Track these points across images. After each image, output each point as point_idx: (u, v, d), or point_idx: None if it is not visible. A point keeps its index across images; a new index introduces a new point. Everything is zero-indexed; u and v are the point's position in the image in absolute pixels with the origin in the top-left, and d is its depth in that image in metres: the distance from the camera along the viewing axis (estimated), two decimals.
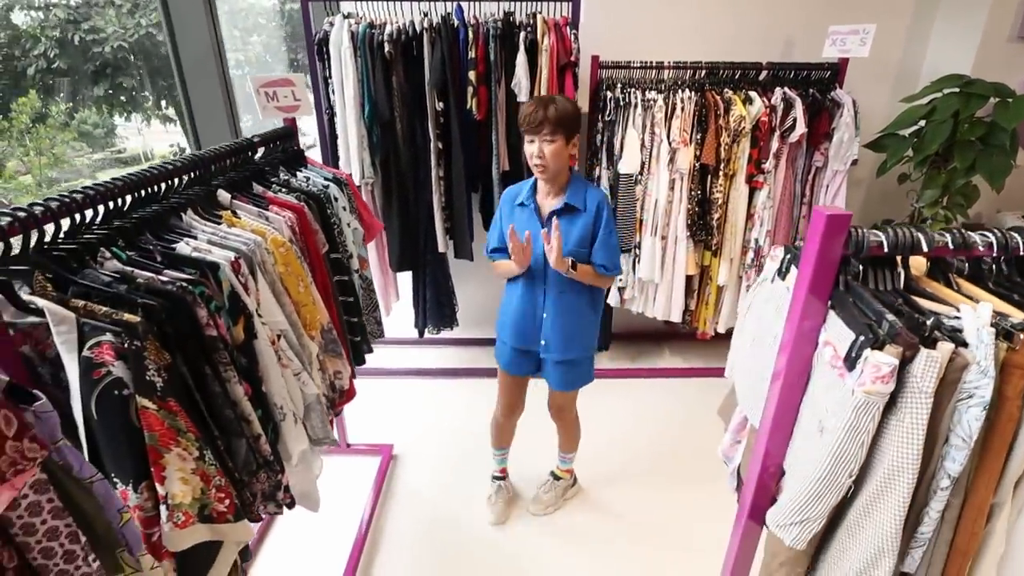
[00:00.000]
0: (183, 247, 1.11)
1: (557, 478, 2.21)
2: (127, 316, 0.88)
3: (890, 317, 0.68)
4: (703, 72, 2.55)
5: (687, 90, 2.50)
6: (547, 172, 1.63)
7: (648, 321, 3.18)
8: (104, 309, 0.87)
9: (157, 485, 0.90)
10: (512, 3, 2.37)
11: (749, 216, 2.65)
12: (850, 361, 0.69)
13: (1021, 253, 0.75)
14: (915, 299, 0.76)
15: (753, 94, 2.49)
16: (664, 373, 3.12)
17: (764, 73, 2.57)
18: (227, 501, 0.97)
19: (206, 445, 0.94)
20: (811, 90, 2.53)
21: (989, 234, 0.76)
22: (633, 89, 2.53)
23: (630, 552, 2.00)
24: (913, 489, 0.67)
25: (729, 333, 2.84)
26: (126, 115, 4.44)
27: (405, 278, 2.94)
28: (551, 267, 1.65)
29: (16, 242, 0.90)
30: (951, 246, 0.75)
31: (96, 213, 1.02)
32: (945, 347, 0.65)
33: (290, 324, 1.30)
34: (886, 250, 0.74)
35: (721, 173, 2.55)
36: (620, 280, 2.79)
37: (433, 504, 2.24)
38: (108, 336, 0.84)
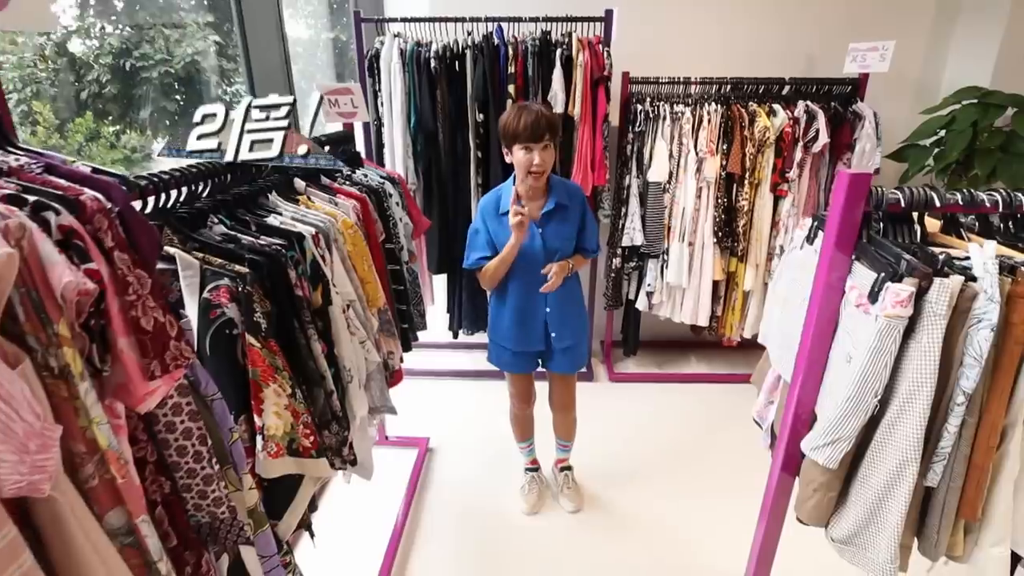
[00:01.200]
0: (272, 220, 1.26)
1: (570, 468, 2.30)
2: (238, 267, 1.02)
3: (907, 257, 0.78)
4: (728, 87, 2.69)
5: (713, 103, 2.64)
6: (542, 178, 1.74)
7: (675, 329, 3.27)
8: (219, 260, 1.02)
9: (255, 417, 1.03)
10: (549, 23, 2.55)
11: (774, 223, 2.74)
12: (873, 296, 0.80)
13: None
14: (930, 248, 0.86)
15: (777, 107, 2.62)
16: (690, 378, 3.18)
17: (787, 88, 2.70)
18: (312, 438, 1.09)
19: (297, 385, 1.07)
20: (833, 103, 2.65)
21: (995, 193, 0.86)
22: (662, 103, 2.68)
23: (657, 542, 2.06)
24: (932, 402, 0.76)
25: (755, 339, 2.91)
26: (167, 138, 4.76)
27: (440, 285, 3.08)
28: (548, 263, 1.78)
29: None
30: (960, 203, 0.85)
31: (205, 186, 1.17)
32: (956, 278, 0.75)
33: (356, 297, 1.44)
34: (903, 206, 0.85)
35: (746, 182, 2.67)
36: (648, 285, 2.89)
37: (468, 494, 2.33)
38: (225, 281, 0.98)
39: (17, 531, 0.56)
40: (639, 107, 2.68)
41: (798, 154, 2.61)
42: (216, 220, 1.14)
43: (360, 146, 2.83)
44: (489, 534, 2.12)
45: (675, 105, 2.67)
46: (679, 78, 2.68)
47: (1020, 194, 0.86)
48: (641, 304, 2.96)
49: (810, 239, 1.04)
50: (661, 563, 1.97)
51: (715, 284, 2.86)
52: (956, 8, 2.76)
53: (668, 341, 3.47)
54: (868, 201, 0.86)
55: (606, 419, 2.77)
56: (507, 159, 1.78)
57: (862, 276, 0.85)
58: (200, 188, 1.17)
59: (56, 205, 0.62)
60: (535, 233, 1.81)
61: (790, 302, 1.08)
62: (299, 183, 1.51)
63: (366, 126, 2.70)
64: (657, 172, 2.69)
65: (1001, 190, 0.86)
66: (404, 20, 2.59)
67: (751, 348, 3.17)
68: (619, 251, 2.89)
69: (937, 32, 2.83)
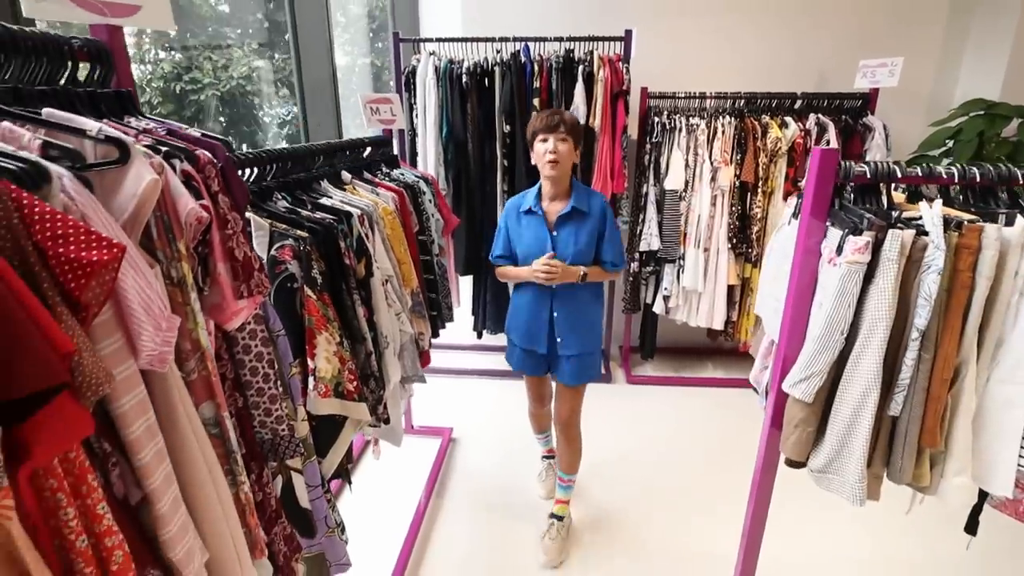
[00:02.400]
0: (324, 201, 1.46)
1: (560, 518, 2.07)
2: (299, 232, 1.20)
3: (868, 216, 0.92)
4: (742, 101, 2.84)
5: (727, 116, 2.79)
6: (558, 169, 1.75)
7: (692, 336, 3.38)
8: (284, 226, 1.20)
9: (309, 360, 1.20)
10: (572, 43, 2.75)
11: None
12: (839, 249, 0.93)
13: (977, 181, 0.98)
14: (889, 210, 0.99)
15: (788, 119, 2.75)
16: (707, 382, 3.27)
17: (799, 102, 2.84)
18: (355, 383, 1.26)
19: (345, 335, 1.24)
20: (844, 116, 2.78)
21: (952, 167, 0.99)
22: (678, 115, 2.84)
23: (668, 529, 2.16)
24: (888, 336, 0.88)
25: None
26: None
27: (465, 289, 3.25)
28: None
29: None
30: (919, 174, 0.98)
31: (270, 169, 1.37)
32: (908, 231, 0.88)
33: (394, 274, 1.62)
34: (868, 177, 0.99)
35: (760, 190, 2.79)
36: (665, 289, 3.02)
37: (488, 479, 2.46)
38: (289, 241, 1.16)
39: (146, 393, 0.73)
40: (656, 119, 2.84)
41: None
42: (280, 196, 1.34)
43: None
44: (507, 517, 2.24)
45: (691, 118, 2.83)
46: (695, 93, 2.85)
47: (974, 168, 0.99)
48: (658, 308, 3.08)
49: (795, 215, 1.18)
50: (671, 547, 2.06)
51: (730, 289, 2.97)
52: (967, 24, 2.87)
53: (685, 348, 3.57)
54: (838, 173, 1.00)
55: (623, 419, 2.88)
56: (533, 161, 1.85)
57: (833, 237, 0.99)
58: (267, 170, 1.36)
59: (180, 155, 0.81)
60: (546, 236, 1.83)
61: (780, 273, 1.22)
62: (345, 175, 1.71)
63: (400, 134, 2.92)
64: (673, 180, 2.83)
65: (957, 164, 0.99)
66: (439, 40, 2.82)
67: None
68: (637, 256, 3.02)
69: (948, 48, 2.95)
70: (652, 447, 2.66)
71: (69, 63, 0.81)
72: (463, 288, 3.27)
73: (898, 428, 0.94)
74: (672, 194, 2.86)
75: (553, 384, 2.11)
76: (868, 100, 2.80)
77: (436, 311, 2.14)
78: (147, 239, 0.76)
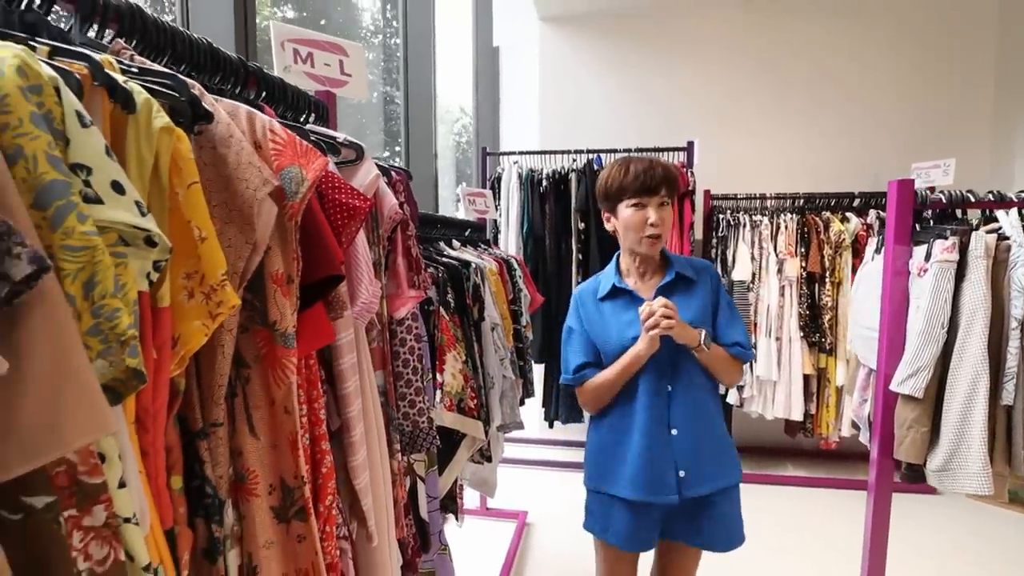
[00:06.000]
0: (447, 252, 1.69)
1: None
2: (435, 264, 1.42)
3: (950, 226, 1.05)
4: (801, 200, 3.05)
5: (788, 213, 3.00)
6: (660, 243, 1.31)
7: (769, 435, 3.30)
8: (424, 261, 1.42)
9: (437, 374, 1.34)
10: (640, 153, 3.11)
11: None
12: (928, 256, 1.05)
13: None
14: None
15: (849, 215, 2.93)
16: (788, 481, 3.11)
17: (857, 200, 3.02)
18: (475, 401, 1.38)
19: (469, 355, 1.39)
20: None
21: (1022, 194, 1.13)
22: (741, 213, 3.07)
23: None
24: (988, 323, 0.96)
25: (854, 439, 2.90)
26: None
27: (537, 380, 3.35)
28: (675, 353, 1.26)
29: None
30: (991, 199, 1.12)
31: None
32: (991, 235, 1.00)
33: (500, 324, 1.79)
34: (944, 202, 1.13)
35: (828, 281, 2.89)
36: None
37: (567, 563, 2.37)
38: (430, 270, 1.37)
39: (354, 335, 0.89)
40: (721, 216, 3.08)
41: None
42: None
43: None
44: None
45: (753, 215, 3.05)
46: (755, 194, 3.10)
47: None
48: (732, 398, 3.06)
49: (878, 250, 1.31)
50: None
51: (807, 380, 2.95)
52: (1013, 121, 3.09)
53: (763, 447, 3.45)
54: (915, 200, 1.15)
55: None
56: (608, 226, 1.40)
57: (919, 253, 1.11)
58: None
59: (380, 171, 1.05)
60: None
61: (869, 303, 1.32)
62: (455, 243, 1.97)
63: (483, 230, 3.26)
64: (741, 272, 2.98)
65: None
66: (521, 153, 3.25)
67: (850, 456, 3.12)
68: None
69: (997, 146, 3.15)
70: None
71: (306, 111, 1.11)
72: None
73: (1014, 417, 0.97)
74: (740, 285, 2.99)
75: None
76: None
77: (524, 378, 2.26)
78: None
